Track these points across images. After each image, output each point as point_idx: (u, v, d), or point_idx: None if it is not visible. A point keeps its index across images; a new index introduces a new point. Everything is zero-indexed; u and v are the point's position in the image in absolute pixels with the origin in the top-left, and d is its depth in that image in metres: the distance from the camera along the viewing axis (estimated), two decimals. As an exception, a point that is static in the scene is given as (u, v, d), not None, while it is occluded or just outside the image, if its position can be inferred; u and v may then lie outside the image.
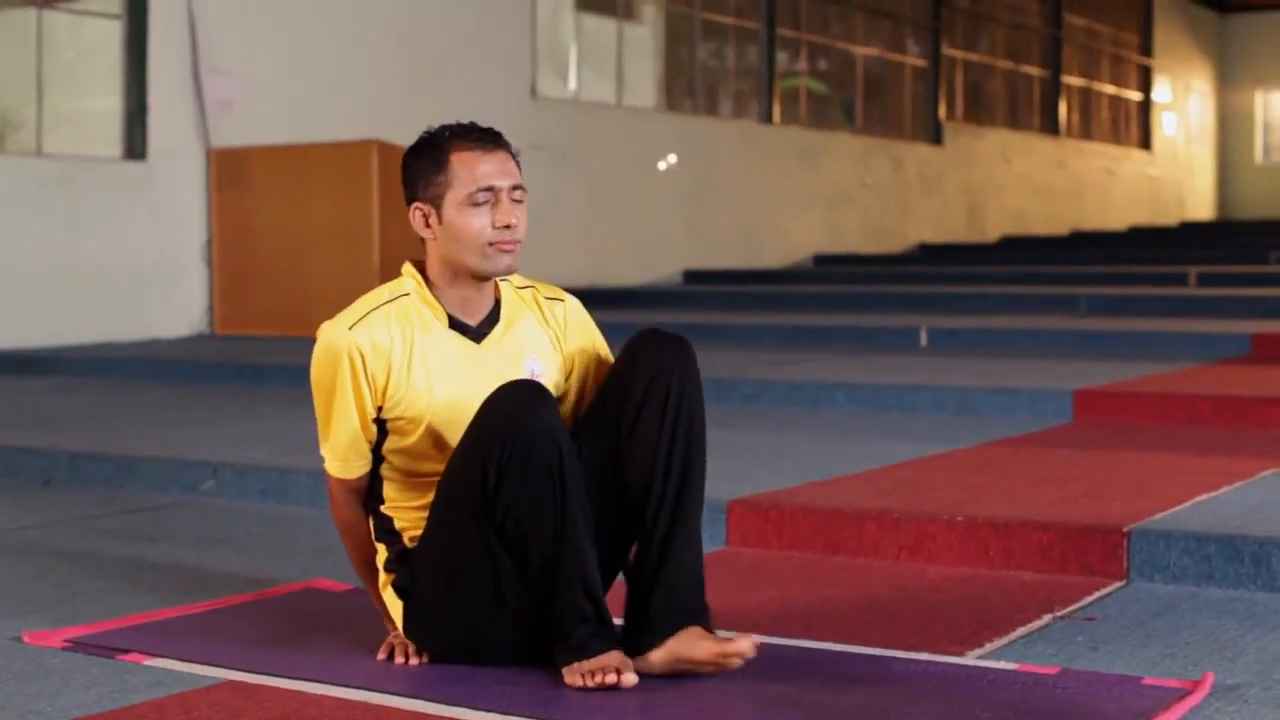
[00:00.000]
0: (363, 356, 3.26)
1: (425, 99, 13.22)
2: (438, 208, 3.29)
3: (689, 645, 3.15)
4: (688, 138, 17.15)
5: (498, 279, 3.40)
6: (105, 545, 4.84)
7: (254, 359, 9.39)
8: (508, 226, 3.27)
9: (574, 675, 3.08)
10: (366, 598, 3.65)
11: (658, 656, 3.16)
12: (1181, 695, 3.05)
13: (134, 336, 11.26)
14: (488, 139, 3.31)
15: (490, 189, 3.26)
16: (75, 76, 11.93)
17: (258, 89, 12.10)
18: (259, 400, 8.01)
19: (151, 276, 11.47)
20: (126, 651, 3.46)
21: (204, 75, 11.69)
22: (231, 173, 11.67)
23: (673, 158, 16.84)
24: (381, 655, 3.35)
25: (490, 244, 3.27)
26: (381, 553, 3.38)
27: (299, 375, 8.54)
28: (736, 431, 6.59)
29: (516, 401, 3.09)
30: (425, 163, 3.31)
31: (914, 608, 3.83)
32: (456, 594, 3.20)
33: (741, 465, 5.51)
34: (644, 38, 17.39)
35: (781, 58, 19.09)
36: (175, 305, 11.63)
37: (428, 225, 3.32)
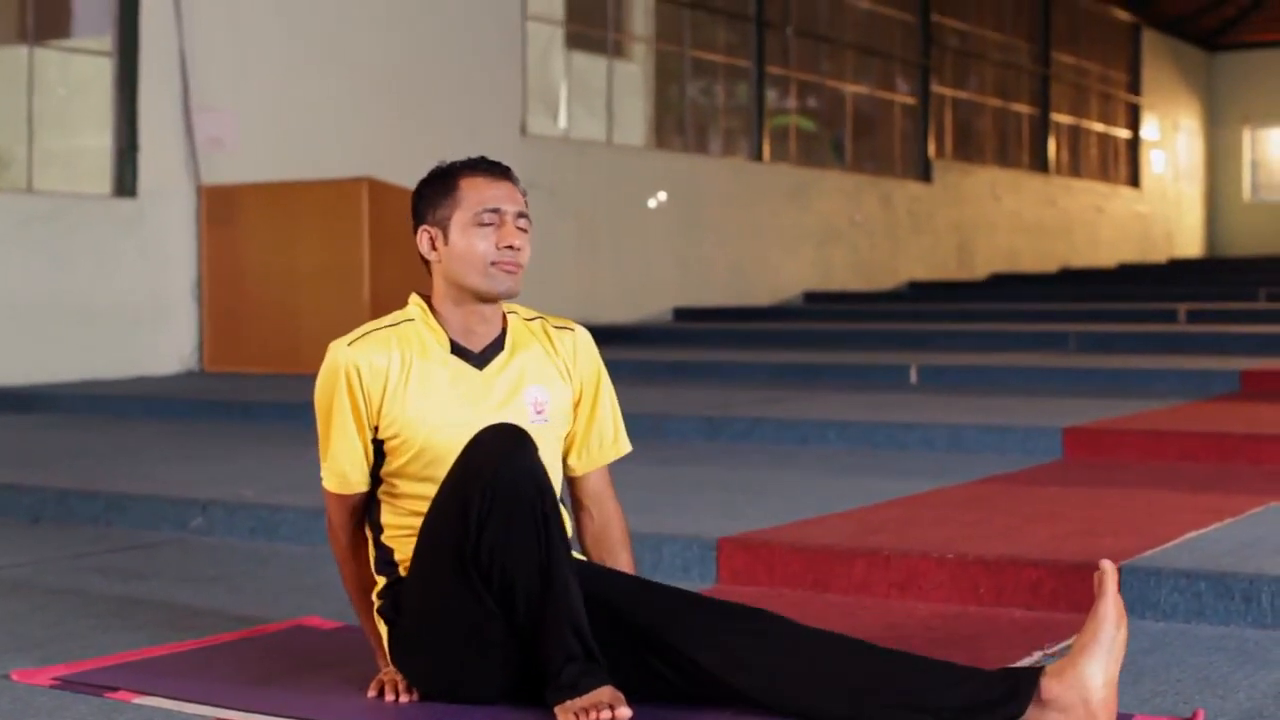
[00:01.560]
0: (359, 373, 3.31)
1: (416, 136, 13.25)
2: (444, 230, 3.36)
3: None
4: (677, 175, 17.17)
5: (505, 310, 3.46)
6: (94, 583, 4.82)
7: (244, 396, 9.38)
8: (511, 247, 3.32)
9: (567, 714, 3.05)
10: (357, 635, 3.64)
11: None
12: (1173, 733, 3.05)
13: (123, 374, 11.25)
14: (497, 169, 3.40)
15: (496, 210, 3.33)
16: (66, 114, 11.95)
17: (248, 127, 12.11)
18: (248, 438, 8.00)
19: (141, 313, 11.46)
20: (115, 689, 3.45)
21: (195, 113, 11.70)
22: (222, 210, 11.67)
23: (663, 195, 16.87)
24: (372, 693, 3.34)
25: (493, 264, 3.32)
26: (380, 582, 3.38)
27: (289, 412, 8.61)
28: (727, 469, 6.60)
29: (496, 446, 3.10)
30: (434, 189, 3.40)
31: (904, 646, 3.81)
32: (441, 638, 3.18)
33: (732, 503, 5.51)
34: (634, 75, 17.44)
35: (771, 95, 19.14)
36: (165, 342, 11.62)
37: (434, 248, 3.38)
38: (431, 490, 3.28)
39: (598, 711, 3.03)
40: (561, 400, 3.46)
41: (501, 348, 3.42)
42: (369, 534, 3.42)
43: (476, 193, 3.34)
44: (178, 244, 11.67)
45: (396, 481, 3.36)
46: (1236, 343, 11.14)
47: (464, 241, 3.32)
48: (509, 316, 3.47)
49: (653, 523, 4.99)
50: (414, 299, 3.45)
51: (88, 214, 11.23)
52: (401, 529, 3.35)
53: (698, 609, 3.19)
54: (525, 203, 3.41)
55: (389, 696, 3.31)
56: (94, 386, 10.47)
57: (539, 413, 3.40)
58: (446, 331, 3.38)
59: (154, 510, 5.86)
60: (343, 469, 3.36)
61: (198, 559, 5.25)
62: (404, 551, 3.34)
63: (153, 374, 11.43)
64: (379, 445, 3.35)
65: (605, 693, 3.06)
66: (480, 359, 3.39)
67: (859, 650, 3.12)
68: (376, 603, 3.37)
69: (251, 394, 9.50)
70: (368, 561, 3.43)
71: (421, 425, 3.30)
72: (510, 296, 3.38)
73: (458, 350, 3.38)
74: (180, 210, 11.67)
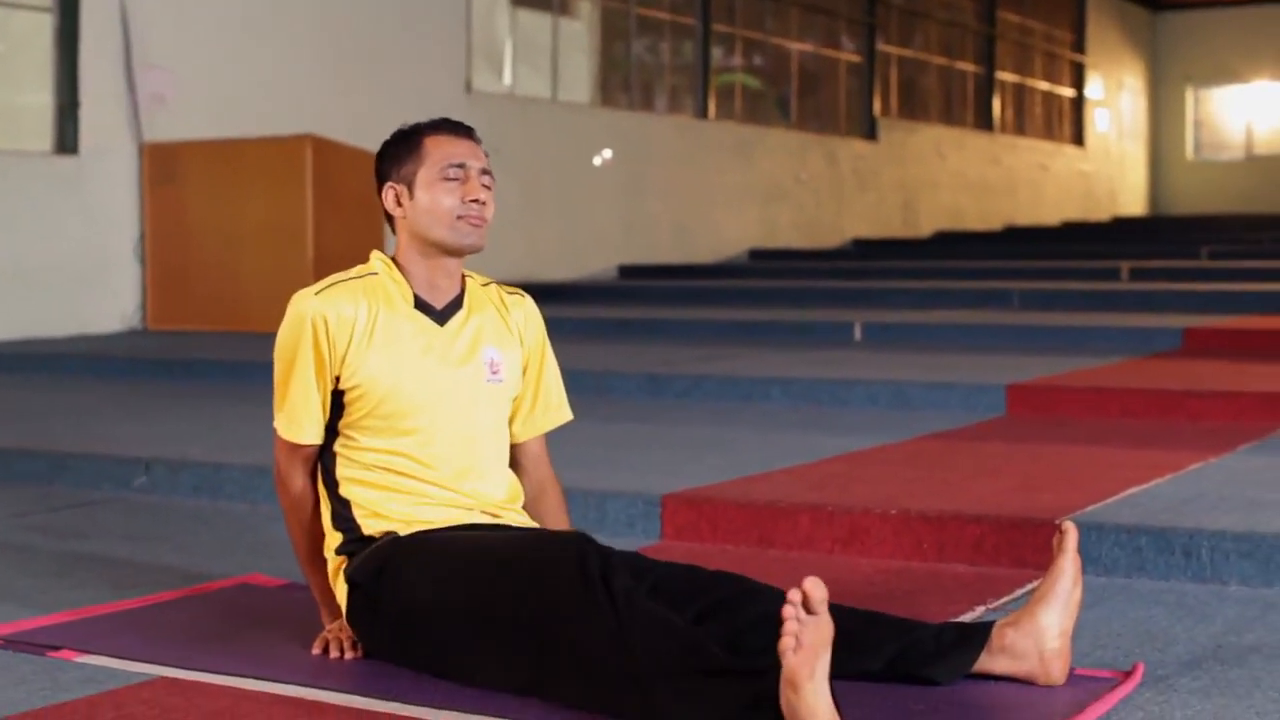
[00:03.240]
0: (325, 323, 3.31)
1: (360, 94, 13.19)
2: (410, 186, 3.38)
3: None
4: (623, 133, 17.15)
5: (464, 273, 3.49)
6: (36, 541, 4.80)
7: (187, 354, 9.34)
8: (476, 201, 3.35)
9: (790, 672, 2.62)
10: (301, 593, 3.63)
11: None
12: (1113, 685, 3.07)
13: (66, 332, 11.18)
14: (460, 129, 3.44)
15: (461, 166, 3.37)
16: (5, 70, 11.83)
17: (191, 83, 12.02)
18: (192, 396, 7.96)
19: (84, 271, 11.39)
20: (57, 648, 3.44)
21: (137, 70, 11.61)
22: (164, 168, 11.60)
23: (608, 153, 16.85)
24: (317, 650, 3.34)
25: (459, 217, 3.35)
26: (336, 538, 3.36)
27: (233, 370, 8.58)
28: (671, 426, 6.61)
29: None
30: (399, 148, 3.42)
31: (847, 601, 3.82)
32: (447, 637, 3.13)
33: (676, 459, 5.52)
34: (579, 33, 17.39)
35: (717, 53, 19.12)
36: (108, 301, 11.55)
37: (399, 204, 3.40)
38: (391, 444, 3.32)
39: (808, 661, 2.60)
40: (513, 363, 3.49)
41: (460, 306, 3.45)
42: (324, 490, 3.41)
43: (441, 149, 3.37)
44: (120, 201, 11.60)
45: (354, 435, 3.36)
46: (1178, 300, 11.21)
47: (429, 196, 3.35)
48: (466, 278, 3.49)
49: (597, 480, 5.00)
50: (376, 254, 3.47)
51: (28, 171, 11.14)
52: (359, 481, 3.35)
53: (651, 571, 3.20)
54: (487, 161, 3.44)
55: (334, 653, 3.31)
56: (36, 345, 10.40)
57: (494, 373, 3.44)
58: (411, 286, 3.40)
59: (97, 469, 5.83)
60: (300, 419, 3.36)
61: (141, 517, 5.23)
62: (363, 504, 3.34)
63: (95, 332, 11.37)
64: (338, 396, 3.36)
65: (792, 663, 2.59)
66: (441, 315, 3.42)
67: None
68: (335, 560, 3.35)
69: (195, 352, 9.46)
70: (318, 514, 3.42)
71: (384, 378, 3.32)
72: (476, 250, 3.40)
73: (421, 305, 3.40)
74: (122, 168, 11.59)
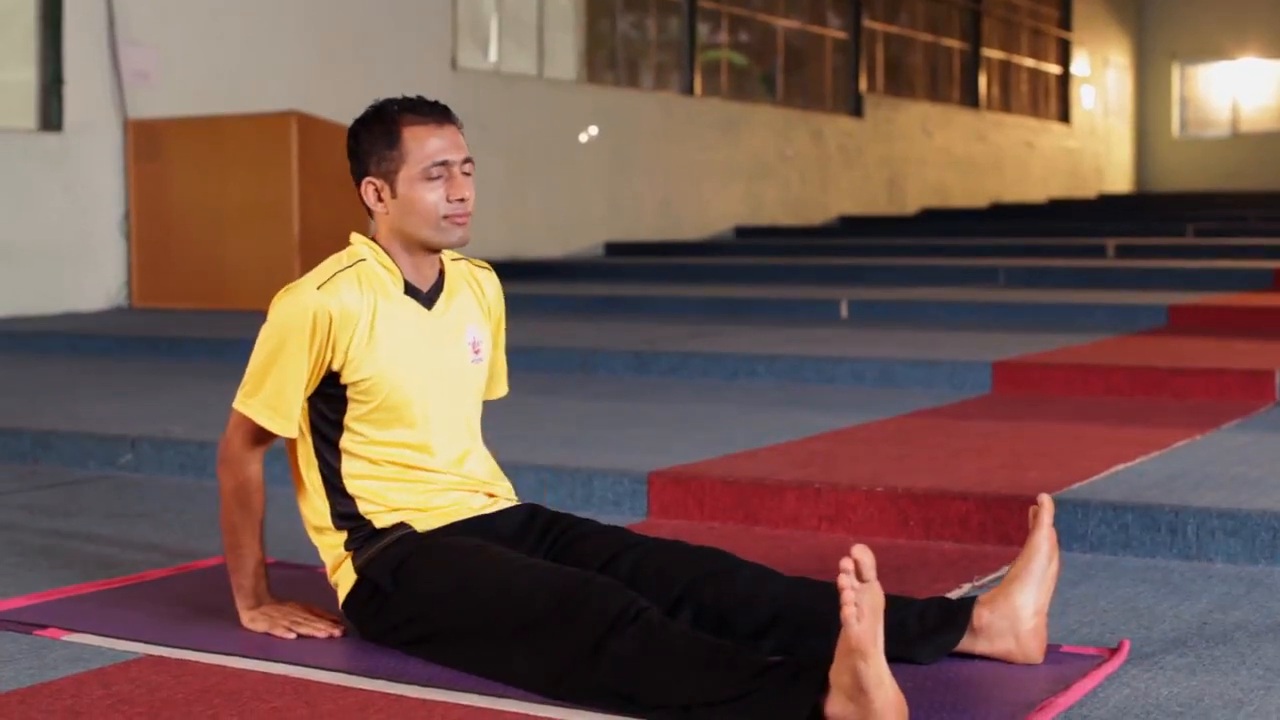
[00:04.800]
0: (330, 318, 3.23)
1: (345, 71, 13.16)
2: (391, 183, 3.30)
3: None
4: (608, 109, 17.12)
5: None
6: (21, 520, 4.79)
7: (172, 332, 9.31)
8: (461, 200, 3.30)
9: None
10: (288, 572, 3.61)
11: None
12: (1099, 662, 3.08)
13: (50, 310, 11.16)
14: (438, 113, 3.33)
15: (444, 164, 3.29)
16: (-11, 47, 11.81)
17: (176, 60, 11.99)
18: (177, 374, 7.95)
19: (68, 249, 11.36)
20: (44, 627, 3.43)
21: (121, 46, 11.57)
22: (149, 145, 11.57)
23: (594, 129, 16.82)
24: (288, 635, 3.30)
25: (444, 217, 3.29)
26: (340, 536, 3.31)
27: (217, 348, 8.56)
28: (657, 403, 6.60)
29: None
30: (376, 138, 3.31)
31: (834, 578, 3.83)
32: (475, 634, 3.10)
33: (662, 437, 5.52)
34: (565, 9, 17.35)
35: (702, 30, 19.10)
36: (92, 278, 11.52)
37: (380, 200, 3.32)
38: (396, 435, 3.30)
39: (872, 628, 2.64)
40: (487, 339, 3.48)
41: (442, 288, 3.42)
42: (323, 488, 3.34)
43: (422, 146, 3.27)
44: (104, 179, 11.56)
45: (363, 429, 3.31)
46: (1164, 278, 11.23)
47: (414, 195, 3.27)
48: (440, 257, 3.45)
49: (583, 457, 5.00)
50: (359, 239, 3.39)
51: (12, 148, 11.11)
52: (367, 476, 3.31)
53: (636, 548, 3.20)
54: (466, 145, 3.36)
55: (318, 634, 3.29)
56: (20, 323, 10.38)
57: (476, 354, 3.43)
58: (400, 271, 3.35)
59: (82, 447, 5.82)
60: (288, 410, 3.28)
61: (126, 496, 5.23)
62: (370, 497, 3.30)
63: (80, 310, 11.34)
64: (342, 390, 3.28)
65: (846, 663, 2.64)
66: (428, 299, 3.38)
67: (793, 584, 3.13)
68: (341, 555, 3.29)
69: (180, 330, 9.43)
70: (264, 495, 3.39)
71: (390, 370, 3.27)
72: (461, 245, 3.36)
73: (410, 290, 3.36)
74: (107, 145, 11.56)
